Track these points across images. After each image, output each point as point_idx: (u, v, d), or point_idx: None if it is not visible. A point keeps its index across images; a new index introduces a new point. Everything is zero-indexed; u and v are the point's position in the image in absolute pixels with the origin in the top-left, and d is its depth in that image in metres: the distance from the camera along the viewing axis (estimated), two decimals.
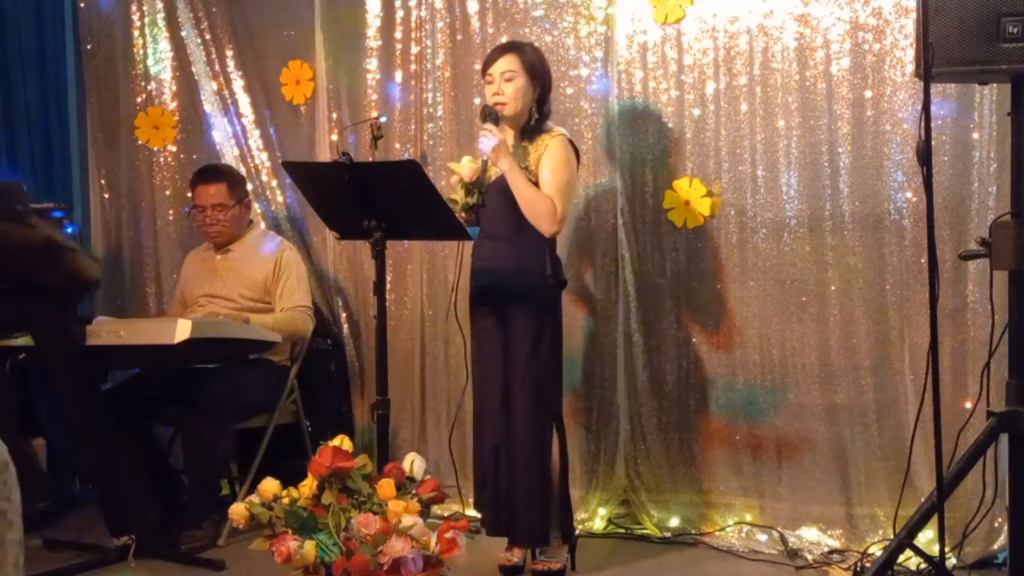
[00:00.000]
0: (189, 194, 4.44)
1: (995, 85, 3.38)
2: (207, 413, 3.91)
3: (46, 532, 4.03)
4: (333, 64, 4.64)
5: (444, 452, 4.34)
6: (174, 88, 4.98)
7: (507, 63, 3.49)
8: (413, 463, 3.18)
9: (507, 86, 3.47)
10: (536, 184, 3.44)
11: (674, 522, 3.99)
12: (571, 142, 3.53)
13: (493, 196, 3.51)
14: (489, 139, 3.40)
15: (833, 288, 3.79)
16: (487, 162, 3.49)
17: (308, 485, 3.06)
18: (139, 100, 5.02)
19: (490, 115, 3.47)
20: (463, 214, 3.54)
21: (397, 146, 4.48)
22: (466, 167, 3.53)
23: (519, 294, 3.48)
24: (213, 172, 4.35)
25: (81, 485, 4.56)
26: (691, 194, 3.95)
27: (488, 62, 3.54)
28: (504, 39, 4.19)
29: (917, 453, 3.44)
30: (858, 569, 3.41)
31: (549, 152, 3.45)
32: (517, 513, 3.49)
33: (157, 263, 5.03)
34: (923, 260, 3.57)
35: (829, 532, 3.77)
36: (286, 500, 3.04)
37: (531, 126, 3.51)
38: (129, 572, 3.63)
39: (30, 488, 4.08)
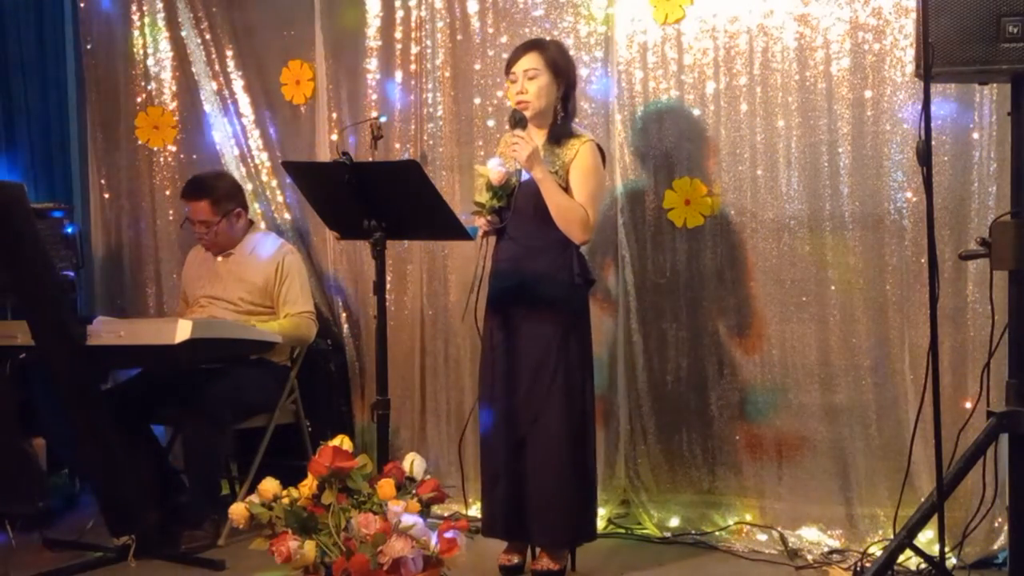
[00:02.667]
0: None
1: (995, 85, 3.38)
2: (207, 413, 3.91)
3: (46, 532, 4.03)
4: (333, 64, 4.64)
5: (444, 452, 4.35)
6: (174, 88, 4.98)
7: (529, 61, 3.46)
8: (413, 463, 3.18)
9: (530, 84, 3.44)
10: (566, 189, 3.42)
11: (674, 522, 3.99)
12: (599, 147, 3.51)
13: (520, 200, 3.46)
14: (523, 147, 3.35)
15: (833, 288, 3.79)
16: (520, 170, 3.43)
17: (308, 485, 3.06)
18: (139, 100, 5.02)
19: (520, 121, 3.44)
20: (488, 217, 3.51)
21: (397, 146, 4.48)
22: (494, 171, 3.46)
23: (545, 296, 3.45)
24: (196, 189, 4.25)
25: (81, 485, 4.56)
26: (691, 194, 3.95)
27: (511, 61, 3.51)
28: (504, 39, 4.21)
29: (917, 453, 3.44)
30: (858, 569, 3.41)
31: (579, 159, 3.43)
32: (546, 518, 3.45)
33: (157, 263, 5.03)
34: (923, 260, 3.57)
35: (829, 532, 3.77)
36: (286, 500, 3.04)
37: (558, 126, 3.49)
38: (129, 572, 3.64)
39: (30, 488, 4.10)
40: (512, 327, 3.51)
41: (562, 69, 3.49)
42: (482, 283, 3.58)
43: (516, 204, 3.47)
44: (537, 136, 3.50)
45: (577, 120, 4.00)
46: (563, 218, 3.39)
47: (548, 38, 3.76)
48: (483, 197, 3.51)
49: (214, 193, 4.24)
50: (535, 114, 3.46)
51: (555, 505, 3.44)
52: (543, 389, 3.44)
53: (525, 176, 3.43)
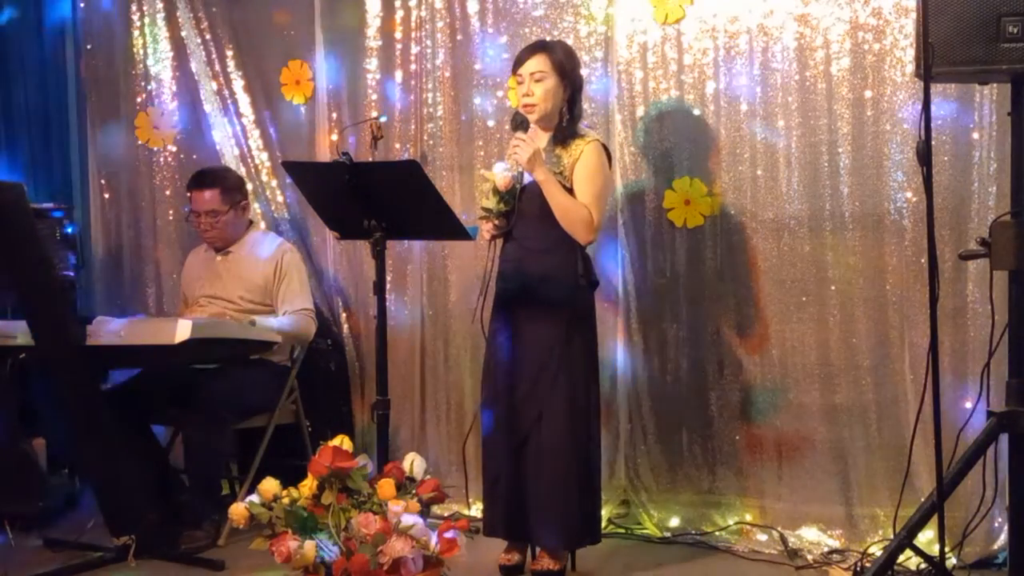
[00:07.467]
0: (188, 194, 4.44)
1: (995, 85, 3.38)
2: (207, 413, 3.91)
3: (46, 532, 4.03)
4: (333, 64, 4.64)
5: (444, 452, 4.35)
6: (174, 88, 4.98)
7: (536, 63, 3.44)
8: (413, 463, 3.18)
9: (537, 87, 3.42)
10: (570, 191, 3.42)
11: (674, 522, 3.99)
12: (604, 147, 3.50)
13: (524, 202, 3.46)
14: (524, 149, 3.35)
15: (833, 288, 3.79)
16: (522, 172, 3.44)
17: (308, 485, 3.06)
18: (139, 100, 5.02)
19: (521, 123, 3.45)
20: (496, 221, 3.50)
21: (397, 146, 4.48)
22: (501, 176, 3.45)
23: (550, 297, 3.44)
24: (206, 178, 4.29)
25: (81, 485, 4.56)
26: (691, 194, 3.95)
27: (517, 63, 3.49)
28: (504, 39, 4.21)
29: (917, 453, 3.44)
30: (858, 569, 3.41)
31: (584, 159, 3.41)
32: (547, 519, 3.43)
33: (157, 263, 5.03)
34: (923, 260, 3.57)
35: (829, 532, 3.77)
36: (286, 500, 3.04)
37: (563, 128, 3.46)
38: (129, 572, 3.64)
39: (30, 488, 4.11)
40: (516, 328, 3.50)
41: (568, 71, 3.46)
42: (489, 285, 3.57)
43: (520, 206, 3.47)
44: (543, 138, 3.49)
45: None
46: (566, 219, 3.38)
47: (553, 39, 3.76)
48: (490, 202, 3.50)
49: (224, 183, 4.28)
50: (541, 116, 3.45)
51: (558, 507, 3.43)
52: (545, 390, 3.43)
53: (528, 178, 3.44)
